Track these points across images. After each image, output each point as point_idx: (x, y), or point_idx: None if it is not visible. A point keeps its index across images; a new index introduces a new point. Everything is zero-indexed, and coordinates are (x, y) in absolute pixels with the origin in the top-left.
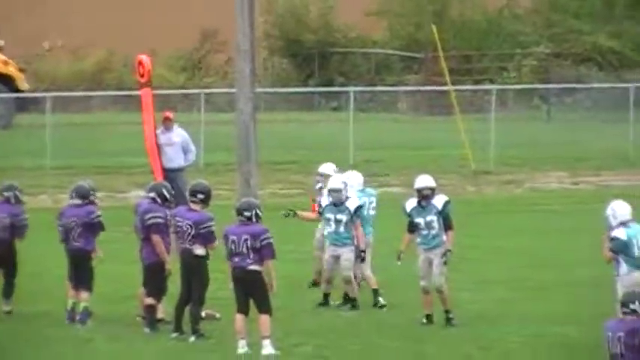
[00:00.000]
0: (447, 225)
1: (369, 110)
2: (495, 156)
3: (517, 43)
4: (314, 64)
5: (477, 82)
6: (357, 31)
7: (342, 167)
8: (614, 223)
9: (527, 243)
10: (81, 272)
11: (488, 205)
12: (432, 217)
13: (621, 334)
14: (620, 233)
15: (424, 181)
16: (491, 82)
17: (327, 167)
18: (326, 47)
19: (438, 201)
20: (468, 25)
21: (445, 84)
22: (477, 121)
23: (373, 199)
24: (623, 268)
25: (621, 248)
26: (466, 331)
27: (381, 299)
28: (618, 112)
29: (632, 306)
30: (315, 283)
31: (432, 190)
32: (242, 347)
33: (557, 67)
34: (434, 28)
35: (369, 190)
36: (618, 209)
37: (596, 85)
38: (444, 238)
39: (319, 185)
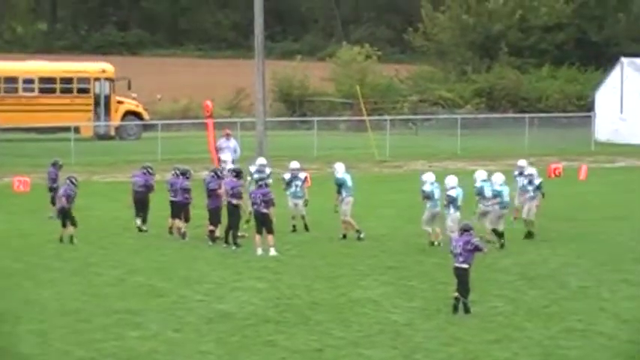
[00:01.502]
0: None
1: (324, 129)
2: (389, 153)
3: (400, 94)
4: (296, 105)
5: (380, 115)
6: (318, 88)
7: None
8: (448, 186)
9: (405, 196)
10: (182, 212)
11: (384, 178)
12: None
13: (461, 243)
14: (452, 192)
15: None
16: (388, 114)
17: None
18: (302, 96)
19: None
20: (376, 85)
21: (363, 115)
22: (379, 135)
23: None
24: (452, 210)
25: (451, 200)
26: (372, 243)
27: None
28: (452, 130)
29: (467, 231)
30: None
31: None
32: (259, 252)
33: (421, 107)
34: (358, 87)
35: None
36: (449, 180)
37: (441, 116)
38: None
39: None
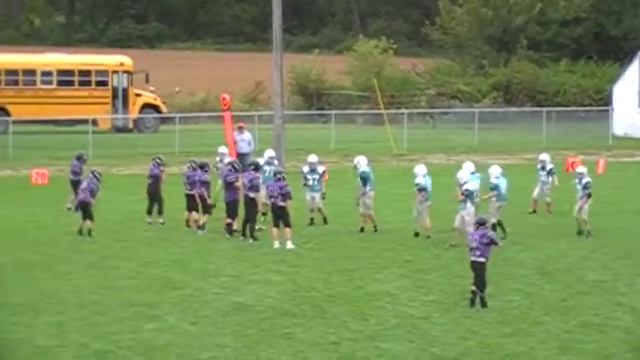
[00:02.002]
0: (366, 183)
1: (342, 122)
2: (407, 146)
3: (417, 87)
4: (313, 98)
5: (397, 108)
6: (335, 82)
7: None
8: (462, 181)
9: None
10: (199, 204)
11: (402, 171)
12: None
13: (477, 236)
14: (469, 186)
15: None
16: (405, 107)
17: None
18: (320, 90)
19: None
20: (393, 78)
21: (380, 109)
22: (396, 128)
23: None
24: (468, 204)
25: (468, 194)
26: (389, 237)
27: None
28: (469, 124)
29: (482, 224)
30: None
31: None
32: (276, 245)
33: (438, 101)
34: (375, 80)
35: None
36: (464, 174)
37: (458, 110)
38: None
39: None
